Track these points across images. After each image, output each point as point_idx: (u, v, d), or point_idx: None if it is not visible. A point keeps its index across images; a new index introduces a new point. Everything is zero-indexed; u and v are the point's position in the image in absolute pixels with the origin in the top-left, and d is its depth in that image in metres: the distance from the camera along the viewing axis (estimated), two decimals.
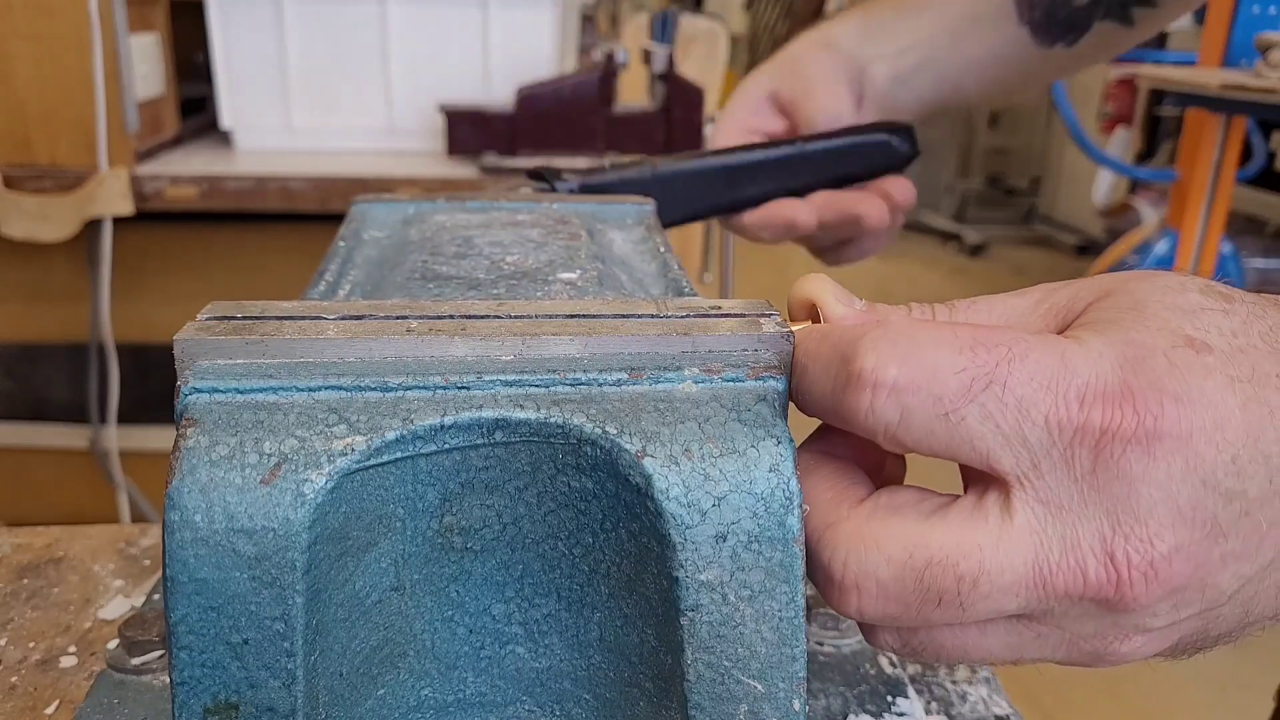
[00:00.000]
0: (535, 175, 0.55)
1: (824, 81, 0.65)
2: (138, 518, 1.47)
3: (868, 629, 0.29)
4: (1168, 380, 0.25)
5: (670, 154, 0.61)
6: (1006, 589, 0.26)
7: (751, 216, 0.62)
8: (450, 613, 0.30)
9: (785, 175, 0.60)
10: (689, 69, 1.94)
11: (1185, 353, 0.26)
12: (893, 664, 0.47)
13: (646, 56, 1.54)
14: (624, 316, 0.29)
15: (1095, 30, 0.65)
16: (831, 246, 0.68)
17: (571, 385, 0.27)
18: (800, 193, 0.62)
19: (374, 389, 0.27)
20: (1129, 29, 0.65)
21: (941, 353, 0.26)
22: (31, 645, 0.48)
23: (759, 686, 0.27)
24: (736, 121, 0.68)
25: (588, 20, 2.29)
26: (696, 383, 0.28)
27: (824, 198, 0.63)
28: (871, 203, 0.62)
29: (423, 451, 0.27)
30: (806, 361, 0.28)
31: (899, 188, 0.63)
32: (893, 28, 0.66)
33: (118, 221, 1.30)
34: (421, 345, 0.27)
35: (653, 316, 0.29)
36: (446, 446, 0.27)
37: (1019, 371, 0.25)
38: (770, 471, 0.26)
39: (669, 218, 0.59)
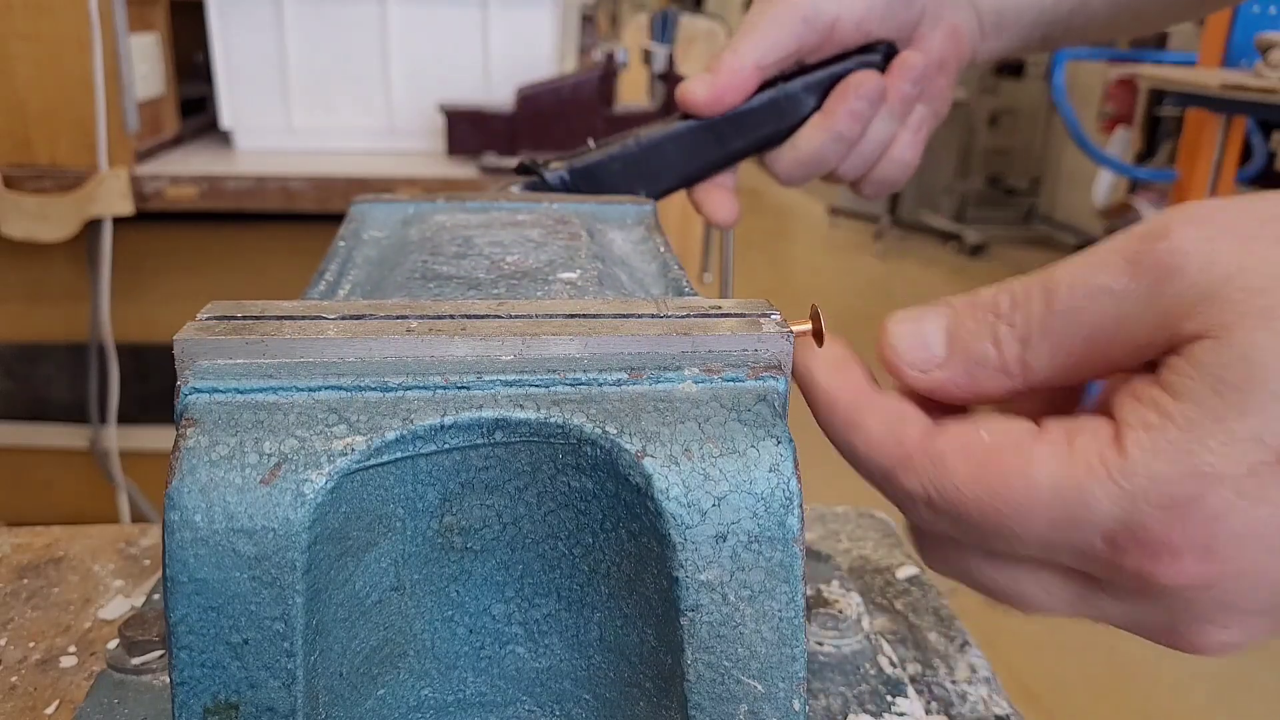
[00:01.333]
0: (522, 170, 0.54)
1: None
2: (138, 518, 1.47)
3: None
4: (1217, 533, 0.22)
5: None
6: None
7: (783, 158, 0.60)
8: (450, 613, 0.30)
9: (773, 118, 0.59)
10: (689, 69, 1.94)
11: (1263, 480, 0.22)
12: (893, 664, 0.47)
13: (646, 56, 1.54)
14: (624, 316, 0.29)
15: None
16: (859, 168, 0.62)
17: (571, 385, 0.27)
18: (791, 134, 0.60)
19: (374, 389, 0.27)
20: None
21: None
22: (31, 645, 0.48)
23: (759, 686, 0.27)
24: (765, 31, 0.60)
25: (588, 20, 2.29)
26: (696, 383, 0.28)
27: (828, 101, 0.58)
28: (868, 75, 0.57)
29: (423, 451, 0.27)
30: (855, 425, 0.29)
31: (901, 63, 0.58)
32: None
33: (118, 221, 1.30)
34: (421, 345, 0.27)
35: (653, 316, 0.29)
36: (446, 446, 0.27)
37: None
38: (770, 471, 0.26)
39: (665, 185, 0.58)
